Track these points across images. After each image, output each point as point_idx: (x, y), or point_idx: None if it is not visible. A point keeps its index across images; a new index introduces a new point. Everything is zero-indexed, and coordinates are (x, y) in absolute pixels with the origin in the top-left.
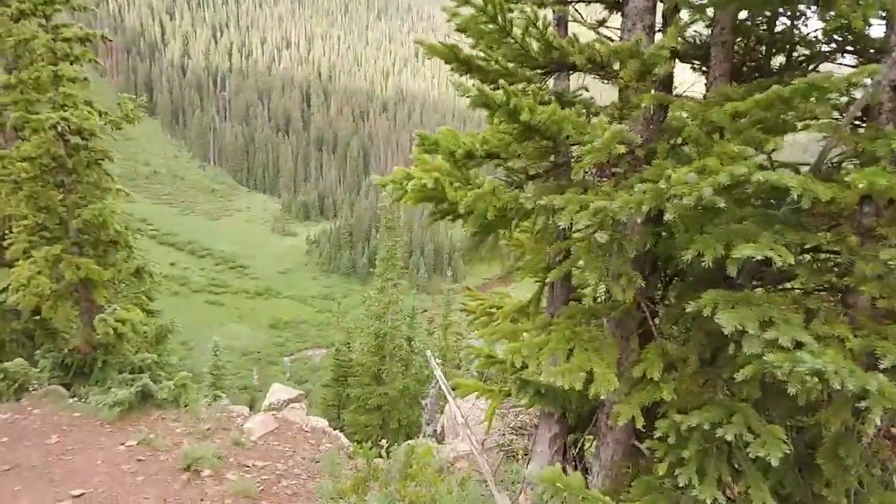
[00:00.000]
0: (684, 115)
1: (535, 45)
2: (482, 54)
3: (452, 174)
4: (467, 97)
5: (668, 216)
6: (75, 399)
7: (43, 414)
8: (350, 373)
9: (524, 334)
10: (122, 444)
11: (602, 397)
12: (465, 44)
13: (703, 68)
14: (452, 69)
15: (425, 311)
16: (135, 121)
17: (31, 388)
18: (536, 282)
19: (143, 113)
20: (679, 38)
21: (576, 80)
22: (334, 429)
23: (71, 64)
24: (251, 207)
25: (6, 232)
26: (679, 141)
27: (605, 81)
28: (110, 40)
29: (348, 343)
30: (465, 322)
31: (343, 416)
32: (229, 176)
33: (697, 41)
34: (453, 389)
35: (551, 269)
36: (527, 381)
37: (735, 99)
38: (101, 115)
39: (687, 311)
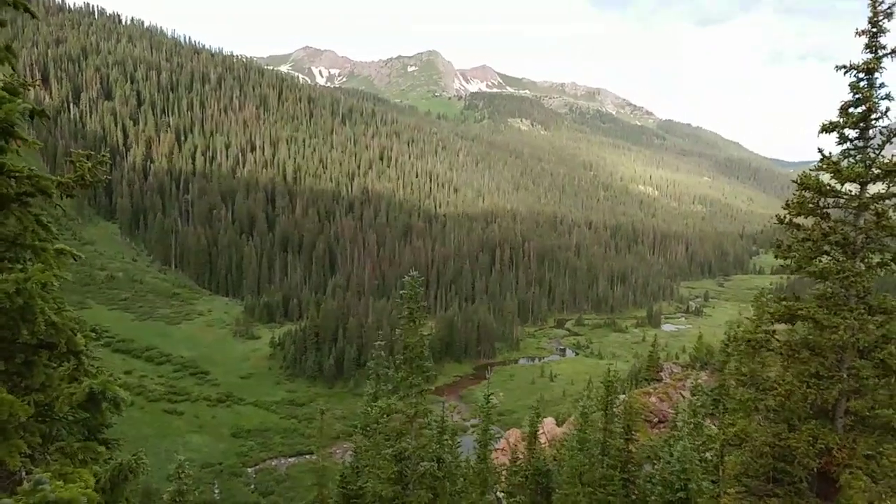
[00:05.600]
0: None
1: None
2: None
3: None
4: None
5: None
6: None
7: None
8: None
9: None
10: None
11: None
12: None
13: None
14: None
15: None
16: (95, 183)
17: None
18: None
19: (100, 217)
20: None
21: None
22: None
23: None
24: (213, 311)
25: None
26: None
27: None
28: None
29: (356, 468)
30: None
31: None
32: (191, 279)
33: None
34: None
35: None
36: None
37: None
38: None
39: None
